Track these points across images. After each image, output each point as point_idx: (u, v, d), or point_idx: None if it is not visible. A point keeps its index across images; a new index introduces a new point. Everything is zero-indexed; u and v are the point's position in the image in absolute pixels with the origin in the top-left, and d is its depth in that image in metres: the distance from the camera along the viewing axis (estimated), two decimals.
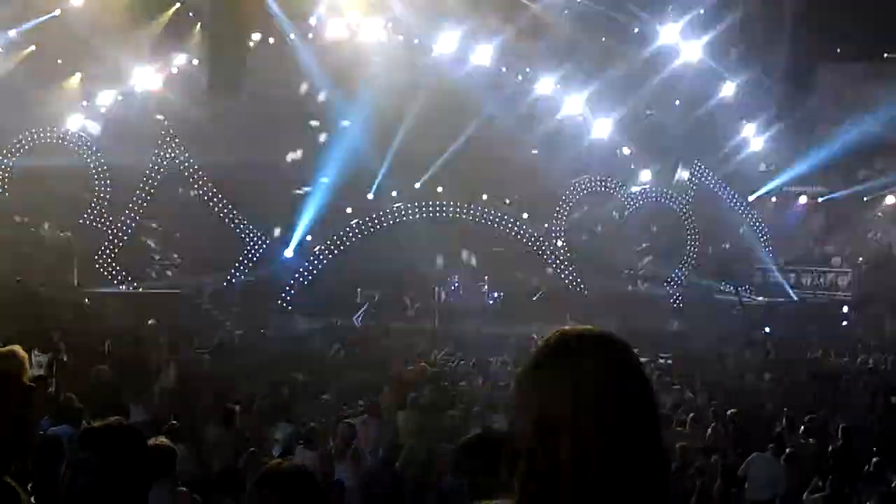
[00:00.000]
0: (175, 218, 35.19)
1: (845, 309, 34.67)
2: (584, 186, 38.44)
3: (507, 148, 36.33)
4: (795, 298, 37.14)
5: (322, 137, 35.71)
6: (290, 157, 36.10)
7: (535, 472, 1.88)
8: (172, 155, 33.95)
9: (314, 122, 36.21)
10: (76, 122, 33.87)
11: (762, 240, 39.54)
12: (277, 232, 35.09)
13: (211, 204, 34.43)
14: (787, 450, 12.35)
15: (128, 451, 3.75)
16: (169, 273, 34.76)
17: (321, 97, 35.06)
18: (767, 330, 31.14)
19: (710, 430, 13.89)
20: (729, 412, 14.48)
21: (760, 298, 37.28)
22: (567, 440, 1.87)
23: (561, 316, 31.50)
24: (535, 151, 37.85)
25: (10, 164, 32.61)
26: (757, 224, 39.58)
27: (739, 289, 36.01)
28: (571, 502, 1.84)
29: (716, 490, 11.87)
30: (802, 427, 13.78)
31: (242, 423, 12.70)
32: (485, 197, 37.75)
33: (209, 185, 34.38)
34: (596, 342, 1.98)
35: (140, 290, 32.35)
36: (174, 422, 11.90)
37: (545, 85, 36.42)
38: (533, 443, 1.91)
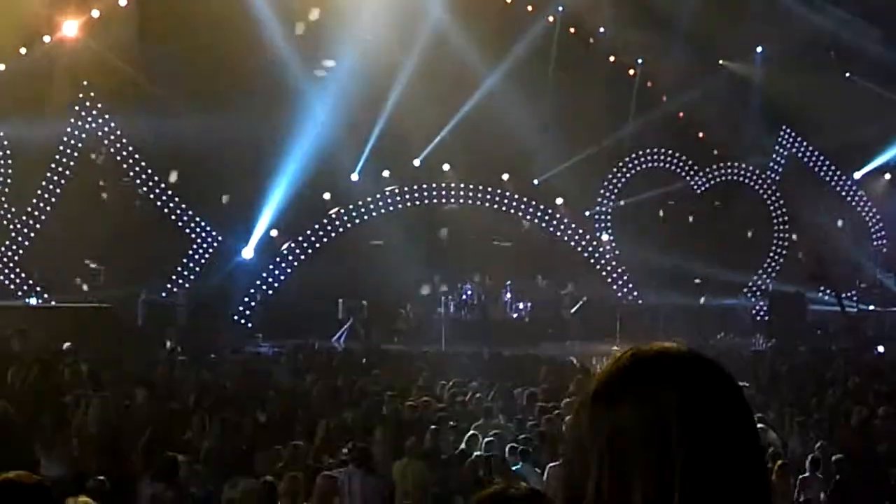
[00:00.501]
0: (98, 207, 35.11)
1: None
2: (638, 163, 38.52)
3: (537, 108, 36.28)
4: None
5: (291, 100, 35.62)
6: (248, 124, 35.97)
7: None
8: (93, 124, 33.92)
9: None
10: None
11: (871, 230, 39.51)
12: (232, 225, 35.03)
13: (146, 189, 34.40)
14: None
15: None
16: (92, 281, 34.64)
17: (288, 47, 34.94)
18: (881, 349, 31.02)
19: (803, 482, 13.83)
20: (833, 458, 14.42)
21: (870, 308, 37.21)
22: (643, 496, 1.84)
23: (608, 333, 31.74)
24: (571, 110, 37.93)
25: None
26: (865, 208, 39.55)
27: (842, 297, 35.91)
28: None
29: None
30: None
31: (187, 478, 12.66)
32: (506, 177, 37.73)
33: (142, 163, 34.34)
34: (683, 364, 1.95)
35: (53, 303, 32.32)
36: (100, 477, 11.86)
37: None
38: (602, 487, 1.87)
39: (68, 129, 33.76)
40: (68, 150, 33.81)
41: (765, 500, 1.90)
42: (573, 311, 35.30)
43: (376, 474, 13.80)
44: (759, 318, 36.55)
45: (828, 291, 36.04)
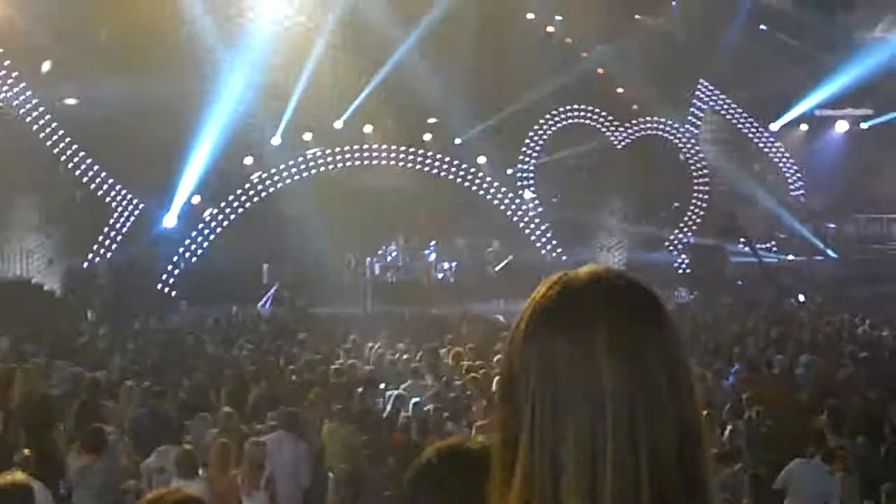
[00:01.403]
0: (14, 177, 34.50)
1: None
2: (558, 120, 38.66)
3: (457, 68, 36.20)
4: (835, 256, 37.59)
5: (209, 64, 35.15)
6: (167, 88, 35.35)
7: (531, 481, 1.78)
8: (9, 92, 33.37)
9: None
10: None
11: (789, 181, 40.02)
12: (153, 193, 34.62)
13: (64, 157, 33.91)
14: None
15: None
16: (11, 253, 34.14)
17: (204, 10, 34.47)
18: (801, 298, 31.48)
19: (728, 431, 13.96)
20: (754, 407, 14.55)
21: (790, 258, 37.73)
22: (576, 437, 1.77)
23: (532, 291, 31.79)
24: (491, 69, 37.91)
25: None
26: (782, 160, 40.03)
27: (757, 248, 36.35)
28: None
29: None
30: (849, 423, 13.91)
31: (115, 448, 12.57)
32: (427, 137, 37.68)
33: (60, 131, 33.83)
34: (614, 292, 1.86)
35: None
36: (25, 451, 11.74)
37: None
38: (528, 442, 1.80)
39: None
40: None
41: (697, 441, 1.83)
42: (498, 268, 35.40)
43: (305, 439, 13.78)
44: (680, 271, 36.90)
45: (743, 243, 36.43)
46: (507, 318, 26.15)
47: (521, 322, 1.89)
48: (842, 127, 41.67)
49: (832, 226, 39.27)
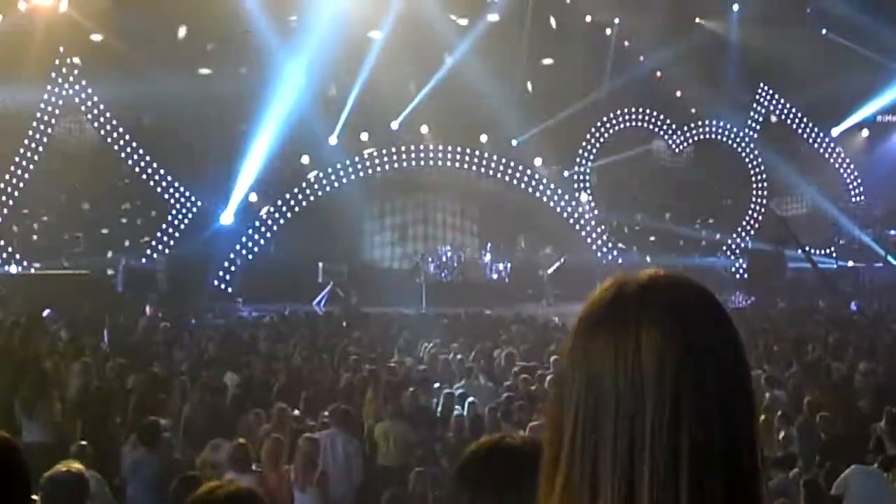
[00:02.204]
0: (76, 173, 34.87)
1: None
2: (616, 123, 38.49)
3: (514, 69, 36.12)
4: (895, 262, 37.18)
5: (267, 63, 35.29)
6: (225, 86, 35.53)
7: (572, 483, 1.76)
8: (70, 91, 33.70)
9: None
10: None
11: (849, 186, 39.62)
12: (211, 190, 34.82)
13: (123, 155, 34.22)
14: None
15: (16, 479, 3.66)
16: (72, 248, 34.44)
17: (263, 8, 34.63)
18: (854, 306, 31.15)
19: (782, 434, 13.82)
20: (818, 414, 14.39)
21: (850, 264, 37.34)
22: (612, 453, 1.73)
23: (587, 294, 31.56)
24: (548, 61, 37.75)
25: None
26: (843, 165, 39.62)
27: (810, 254, 35.92)
28: None
29: None
30: None
31: (169, 442, 12.61)
32: (484, 138, 37.62)
33: (120, 129, 34.15)
34: (670, 298, 1.80)
35: (32, 271, 32.19)
36: (82, 442, 11.81)
37: None
38: (570, 444, 1.78)
39: (45, 96, 33.55)
40: (45, 117, 33.60)
41: (749, 447, 1.78)
42: (550, 271, 35.26)
43: (357, 435, 13.79)
44: (738, 276, 36.62)
45: (796, 250, 36.01)
46: (561, 320, 26.06)
47: (576, 322, 1.86)
48: None
49: (893, 232, 38.80)
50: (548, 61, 37.73)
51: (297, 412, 14.70)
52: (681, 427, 1.72)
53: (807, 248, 36.11)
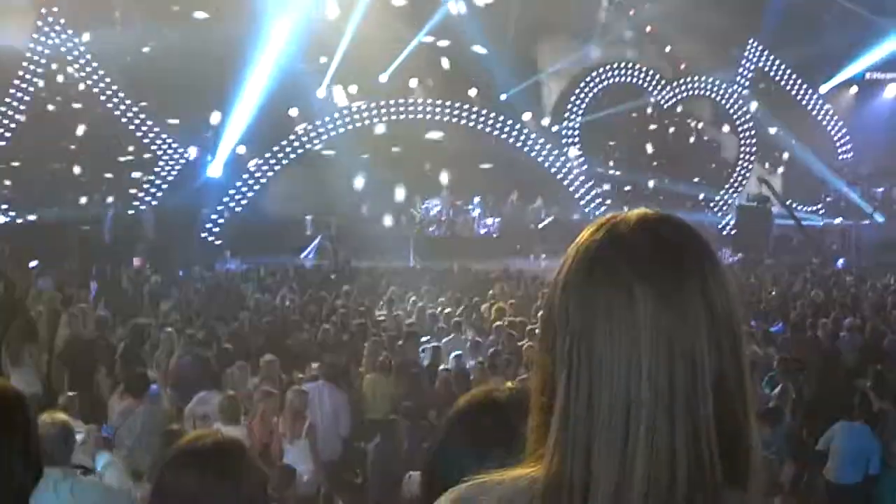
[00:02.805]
0: (63, 124, 34.71)
1: None
2: (605, 78, 38.37)
3: (504, 23, 35.92)
4: (881, 220, 37.22)
5: (255, 15, 34.99)
6: (213, 37, 35.06)
7: (566, 429, 1.75)
8: (56, 40, 33.46)
9: None
10: None
11: (837, 144, 39.63)
12: (199, 142, 34.65)
13: (111, 105, 34.01)
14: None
15: (13, 426, 3.64)
16: (58, 197, 34.29)
17: None
18: (842, 262, 31.23)
19: (775, 392, 13.84)
20: (797, 372, 14.42)
21: (837, 221, 37.40)
22: (609, 403, 1.72)
23: None
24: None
25: None
26: (831, 122, 39.60)
27: (794, 210, 35.88)
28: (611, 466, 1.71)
29: (784, 473, 11.87)
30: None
31: (157, 394, 12.61)
32: (473, 92, 37.47)
33: (107, 79, 33.92)
34: (663, 232, 1.80)
35: (19, 221, 32.08)
36: (71, 392, 11.81)
37: None
38: (565, 389, 1.76)
39: (31, 46, 33.28)
40: (32, 67, 33.35)
41: (739, 394, 1.78)
42: (541, 225, 35.26)
43: (345, 388, 13.82)
44: (725, 232, 36.64)
45: (779, 208, 35.96)
46: (550, 275, 26.08)
47: (564, 264, 1.84)
48: (892, 91, 41.18)
49: (880, 190, 38.85)
50: (536, 14, 37.55)
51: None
52: (676, 375, 1.71)
53: (790, 206, 36.12)
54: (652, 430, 1.70)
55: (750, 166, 39.74)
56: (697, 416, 1.72)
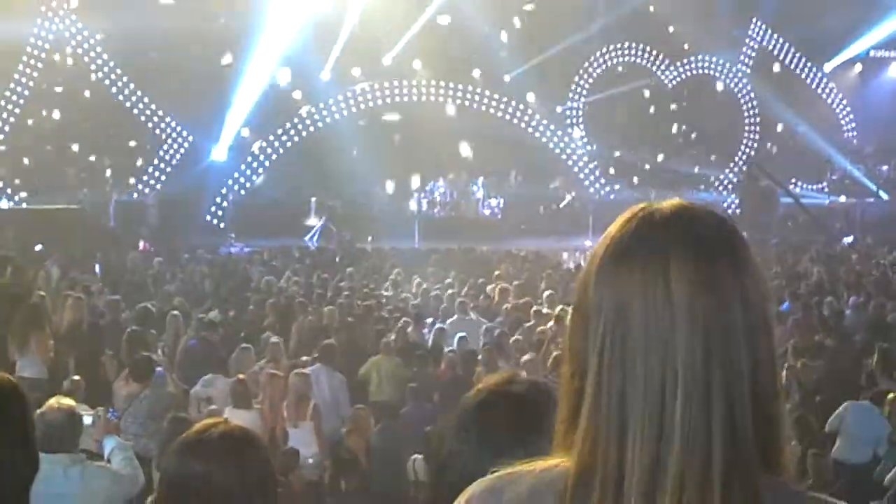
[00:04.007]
0: (68, 108, 34.68)
1: None
2: (609, 58, 38.28)
3: (507, 4, 35.83)
4: (886, 198, 37.16)
5: None
6: (217, 20, 34.99)
7: (598, 414, 1.75)
8: (61, 24, 33.39)
9: None
10: None
11: (842, 122, 39.53)
12: (203, 125, 34.57)
13: (115, 89, 33.95)
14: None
15: (10, 417, 3.63)
16: (63, 183, 34.27)
17: None
18: (850, 240, 31.16)
19: (785, 370, 13.81)
20: (804, 355, 14.39)
21: (842, 199, 37.34)
22: (647, 372, 1.72)
23: (581, 229, 31.56)
24: (529, 7, 37.48)
25: None
26: (835, 101, 39.49)
27: (791, 191, 35.73)
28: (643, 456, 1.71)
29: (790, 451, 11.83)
30: None
31: (163, 378, 12.58)
32: (477, 74, 37.39)
33: (111, 63, 33.85)
34: (696, 223, 1.79)
35: (24, 205, 32.07)
36: (76, 377, 11.78)
37: None
38: (596, 380, 1.76)
39: (35, 30, 33.21)
40: (36, 51, 33.29)
41: (771, 381, 1.78)
42: (563, 205, 35.33)
43: (342, 369, 13.79)
44: (730, 211, 36.57)
45: (779, 190, 35.82)
46: (556, 256, 26.07)
47: (597, 253, 1.84)
48: None
49: (884, 168, 38.77)
50: None
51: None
52: (712, 361, 1.71)
53: (792, 190, 36.04)
54: (688, 411, 1.70)
55: (754, 145, 39.64)
56: (733, 398, 1.71)
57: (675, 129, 39.98)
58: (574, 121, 38.49)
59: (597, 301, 1.78)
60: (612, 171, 38.00)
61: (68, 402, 7.14)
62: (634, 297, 1.74)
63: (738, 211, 36.09)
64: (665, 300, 1.72)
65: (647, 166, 38.38)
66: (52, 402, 6.94)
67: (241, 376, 12.06)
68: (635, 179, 37.82)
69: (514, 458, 1.88)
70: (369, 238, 30.89)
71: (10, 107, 32.97)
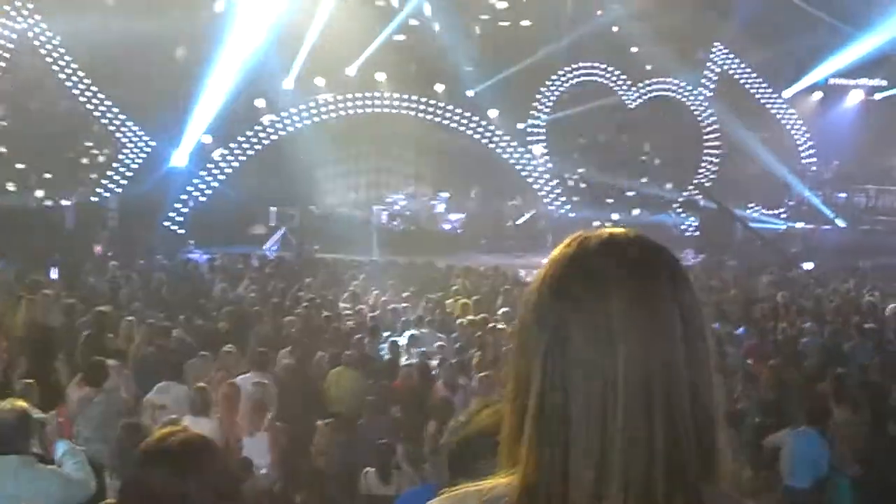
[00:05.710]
0: (26, 111, 34.45)
1: None
2: (571, 77, 38.43)
3: (471, 20, 35.91)
4: (843, 225, 37.45)
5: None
6: (180, 25, 34.75)
7: (541, 434, 1.78)
8: (24, 24, 33.19)
9: None
10: None
11: (800, 148, 39.84)
12: (164, 131, 34.37)
13: (76, 91, 33.74)
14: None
15: None
16: (21, 184, 34.01)
17: None
18: (807, 266, 31.37)
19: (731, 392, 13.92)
20: (756, 380, 14.50)
21: (799, 225, 37.59)
22: (587, 397, 1.76)
23: (539, 246, 31.62)
24: (505, 24, 37.56)
25: None
26: (794, 127, 39.79)
27: (736, 217, 35.89)
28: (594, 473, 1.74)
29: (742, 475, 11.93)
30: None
31: (117, 382, 12.51)
32: (440, 88, 37.43)
33: (73, 65, 33.65)
34: (633, 256, 1.85)
35: None
36: (28, 380, 11.70)
37: None
38: (538, 402, 1.79)
39: None
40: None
41: (710, 405, 1.83)
42: (520, 222, 35.37)
43: (270, 375, 13.73)
44: (689, 233, 36.76)
45: (733, 221, 35.97)
46: (514, 272, 26.12)
47: (539, 279, 1.89)
48: (856, 97, 41.44)
49: (842, 195, 39.10)
50: (502, 4, 37.63)
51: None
52: (652, 375, 1.75)
53: (740, 214, 36.29)
54: (630, 424, 1.73)
55: (714, 168, 39.89)
56: (674, 415, 1.76)
57: (635, 149, 40.11)
58: (535, 138, 38.59)
59: (538, 321, 1.83)
60: (571, 188, 38.10)
61: (21, 403, 7.11)
62: (574, 316, 1.79)
63: (696, 232, 36.34)
64: (604, 317, 1.77)
65: (610, 186, 38.49)
66: (5, 403, 6.92)
67: (201, 384, 12.02)
68: (595, 198, 37.94)
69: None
70: (315, 247, 30.80)
71: None
